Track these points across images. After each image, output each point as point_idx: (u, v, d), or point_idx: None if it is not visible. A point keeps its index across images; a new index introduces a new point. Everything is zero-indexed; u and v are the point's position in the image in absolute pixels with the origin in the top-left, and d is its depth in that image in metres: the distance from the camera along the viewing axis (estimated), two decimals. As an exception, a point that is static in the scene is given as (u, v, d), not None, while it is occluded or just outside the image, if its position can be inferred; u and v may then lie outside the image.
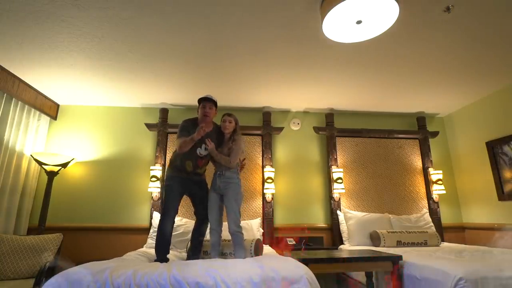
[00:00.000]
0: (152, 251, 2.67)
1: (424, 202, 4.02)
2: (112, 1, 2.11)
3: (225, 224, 2.52)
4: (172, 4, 2.15)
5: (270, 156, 3.90)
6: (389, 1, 1.96)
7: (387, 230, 3.41)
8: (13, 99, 3.24)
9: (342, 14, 2.07)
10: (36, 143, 3.63)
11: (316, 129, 4.13)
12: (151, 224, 3.45)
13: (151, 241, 3.21)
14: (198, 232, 2.62)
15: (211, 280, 1.58)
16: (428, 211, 3.91)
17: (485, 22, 2.36)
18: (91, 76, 3.22)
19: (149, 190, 3.56)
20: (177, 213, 2.51)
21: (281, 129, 4.05)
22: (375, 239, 3.36)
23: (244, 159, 2.78)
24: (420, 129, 4.25)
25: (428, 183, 4.04)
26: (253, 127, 4.00)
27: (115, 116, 4.01)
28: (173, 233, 3.19)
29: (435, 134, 4.25)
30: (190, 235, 2.71)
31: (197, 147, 2.50)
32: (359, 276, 2.98)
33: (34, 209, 3.51)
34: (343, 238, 3.63)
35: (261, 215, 3.75)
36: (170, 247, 3.04)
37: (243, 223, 3.40)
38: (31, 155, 3.38)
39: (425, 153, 4.15)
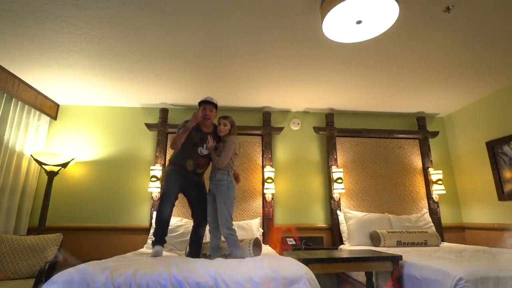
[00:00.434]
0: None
1: (424, 202, 4.02)
2: (112, 1, 2.11)
3: None
4: (172, 4, 2.15)
5: (270, 156, 3.90)
6: (389, 1, 1.96)
7: (387, 230, 3.41)
8: (13, 99, 3.24)
9: (342, 14, 2.07)
10: (36, 143, 3.63)
11: (316, 129, 4.13)
12: (151, 224, 3.45)
13: (151, 241, 3.20)
14: (195, 235, 2.58)
15: (211, 280, 1.58)
16: (428, 211, 3.91)
17: (485, 22, 2.36)
18: (91, 76, 3.22)
19: (149, 190, 3.55)
20: (176, 199, 2.49)
21: (281, 129, 4.05)
22: (375, 239, 3.36)
23: (238, 175, 2.72)
24: (420, 129, 4.25)
25: (428, 183, 4.04)
26: (253, 127, 4.00)
27: (115, 116, 4.01)
28: (173, 234, 3.24)
29: (435, 134, 4.25)
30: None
31: (198, 146, 2.51)
32: (359, 276, 2.98)
33: (34, 209, 3.51)
34: (343, 238, 3.63)
35: (261, 215, 3.75)
36: (170, 247, 3.06)
37: (243, 223, 3.42)
38: (31, 155, 3.38)
39: (425, 153, 4.15)
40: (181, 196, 2.57)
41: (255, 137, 4.04)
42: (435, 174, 3.96)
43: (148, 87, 3.49)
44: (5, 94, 3.12)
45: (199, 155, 2.53)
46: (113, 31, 2.45)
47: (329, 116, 4.18)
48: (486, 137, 3.73)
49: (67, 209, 3.60)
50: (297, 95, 3.73)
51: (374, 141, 4.21)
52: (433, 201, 3.97)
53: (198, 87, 3.47)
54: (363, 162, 4.11)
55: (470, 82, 3.39)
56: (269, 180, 3.70)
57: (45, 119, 3.77)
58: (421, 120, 4.29)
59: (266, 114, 4.07)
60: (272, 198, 3.77)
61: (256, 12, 2.23)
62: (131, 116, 4.02)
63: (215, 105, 2.60)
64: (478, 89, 3.60)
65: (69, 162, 3.47)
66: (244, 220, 3.61)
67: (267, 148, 3.93)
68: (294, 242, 3.52)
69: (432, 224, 3.71)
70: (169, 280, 1.57)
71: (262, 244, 3.05)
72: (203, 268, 1.70)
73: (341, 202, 3.89)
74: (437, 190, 3.92)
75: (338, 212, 3.79)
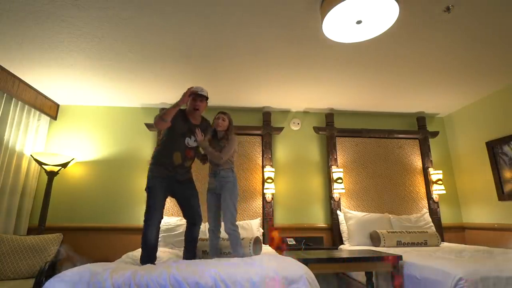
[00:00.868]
0: None
1: (424, 202, 4.02)
2: (112, 1, 2.11)
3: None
4: (172, 4, 2.15)
5: (270, 156, 3.90)
6: (389, 1, 1.96)
7: (387, 230, 3.40)
8: (13, 99, 3.24)
9: (342, 14, 2.07)
10: (36, 143, 3.63)
11: (316, 129, 4.13)
12: (151, 224, 3.44)
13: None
14: (190, 235, 2.43)
15: (210, 280, 1.58)
16: (428, 211, 3.91)
17: (485, 22, 2.36)
18: (91, 76, 3.22)
19: (149, 190, 3.55)
20: (162, 218, 2.29)
21: (281, 129, 4.05)
22: (375, 239, 3.36)
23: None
24: (420, 129, 4.25)
25: (428, 183, 4.04)
26: (253, 127, 4.00)
27: (115, 116, 4.01)
28: (172, 233, 3.24)
29: (435, 134, 4.25)
30: None
31: (185, 137, 2.36)
32: (359, 276, 2.98)
33: (34, 209, 3.51)
34: (343, 238, 3.63)
35: (261, 215, 3.75)
36: (170, 245, 3.06)
37: (243, 223, 3.42)
38: (31, 155, 3.38)
39: (425, 153, 4.15)
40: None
41: (255, 137, 4.04)
42: (435, 174, 3.96)
43: (148, 87, 3.49)
44: (5, 94, 3.12)
45: (186, 146, 2.37)
46: (113, 31, 2.45)
47: (329, 116, 4.18)
48: (486, 137, 3.72)
49: (67, 209, 3.60)
50: (297, 95, 3.72)
51: (374, 141, 4.21)
52: (433, 201, 3.97)
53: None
54: (363, 162, 4.11)
55: (470, 82, 3.39)
56: (269, 180, 3.70)
57: (45, 119, 3.77)
58: (421, 120, 4.29)
59: (266, 114, 4.07)
60: (272, 198, 3.77)
61: (256, 12, 2.23)
62: (131, 116, 4.02)
63: (205, 97, 2.44)
64: (478, 89, 3.60)
65: (69, 162, 3.47)
66: (244, 220, 3.61)
67: (267, 148, 3.93)
68: (294, 242, 3.52)
69: (432, 224, 3.71)
70: (169, 280, 1.57)
71: (262, 244, 3.05)
72: (202, 268, 1.70)
73: (341, 202, 3.89)
74: (437, 190, 3.92)
75: (338, 212, 3.79)
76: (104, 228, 3.57)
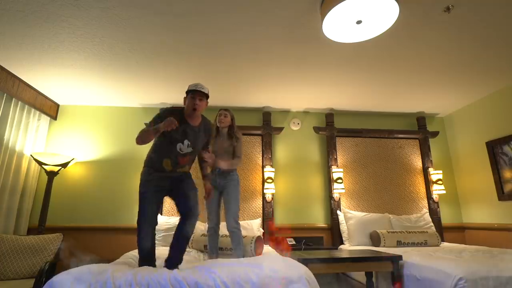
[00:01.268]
0: None
1: (424, 202, 4.02)
2: (112, 1, 2.11)
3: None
4: (172, 4, 2.15)
5: (270, 156, 3.90)
6: (389, 1, 1.96)
7: (387, 230, 3.41)
8: (13, 99, 3.24)
9: (342, 14, 2.07)
10: (36, 143, 3.63)
11: (316, 129, 4.13)
12: (151, 224, 3.44)
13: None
14: (181, 231, 2.04)
15: (211, 280, 1.58)
16: (428, 211, 3.91)
17: (485, 22, 2.36)
18: (91, 76, 3.22)
19: (149, 190, 3.55)
20: (156, 224, 2.08)
21: (281, 129, 4.05)
22: (375, 239, 3.36)
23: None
24: (420, 129, 4.25)
25: (428, 183, 4.04)
26: (253, 127, 4.00)
27: (115, 116, 4.01)
28: (172, 233, 3.22)
29: (435, 134, 4.25)
30: None
31: (177, 143, 2.04)
32: (359, 276, 2.98)
33: (34, 209, 3.51)
34: (343, 238, 3.63)
35: (261, 215, 3.75)
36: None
37: (243, 223, 3.42)
38: (31, 155, 3.38)
39: (425, 153, 4.15)
40: None
41: (255, 137, 4.04)
42: (435, 174, 3.96)
43: (147, 87, 3.49)
44: (5, 94, 3.12)
45: (179, 153, 2.06)
46: (113, 31, 2.45)
47: (329, 116, 4.18)
48: (486, 137, 3.72)
49: (67, 209, 3.60)
50: (297, 95, 3.72)
51: (374, 141, 4.21)
52: (433, 201, 3.97)
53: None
54: (363, 162, 4.11)
55: (470, 82, 3.39)
56: (269, 180, 3.70)
57: (45, 119, 3.77)
58: (421, 120, 4.29)
59: (266, 114, 4.07)
60: (272, 198, 3.77)
61: (256, 12, 2.23)
62: (131, 116, 4.02)
63: (206, 95, 2.12)
64: (478, 89, 3.60)
65: (69, 162, 3.47)
66: (245, 220, 3.60)
67: (267, 148, 3.93)
68: (294, 242, 3.52)
69: (432, 224, 3.71)
70: (169, 281, 1.57)
71: (263, 242, 3.05)
72: (202, 268, 1.71)
73: (341, 202, 3.89)
74: (437, 190, 3.92)
75: (338, 212, 3.79)
76: (104, 228, 3.57)
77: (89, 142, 3.88)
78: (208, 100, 2.17)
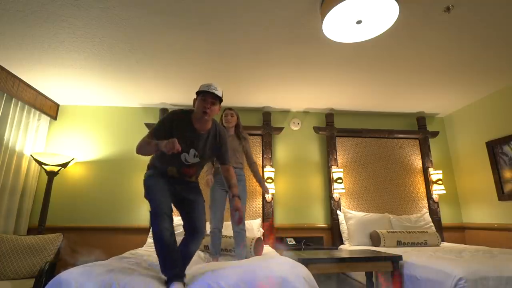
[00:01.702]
0: (152, 249, 2.59)
1: (424, 202, 4.02)
2: (112, 1, 2.11)
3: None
4: (172, 4, 2.15)
5: (270, 156, 3.90)
6: (389, 1, 1.96)
7: (387, 230, 3.40)
8: (13, 99, 3.24)
9: (342, 14, 2.07)
10: (36, 143, 3.63)
11: (316, 129, 4.13)
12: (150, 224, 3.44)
13: (150, 240, 3.20)
14: (187, 248, 1.81)
15: (204, 284, 1.55)
16: (428, 211, 3.91)
17: (485, 22, 2.36)
18: (91, 76, 3.22)
19: (149, 190, 3.55)
20: (171, 210, 1.71)
21: (281, 129, 4.05)
22: (375, 239, 3.36)
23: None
24: (420, 129, 4.25)
25: (428, 183, 4.04)
26: (253, 127, 4.00)
27: (115, 116, 4.01)
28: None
29: (435, 134, 4.25)
30: None
31: (182, 152, 1.77)
32: (359, 276, 2.98)
33: (34, 209, 3.51)
34: (343, 238, 3.63)
35: (261, 215, 3.75)
36: None
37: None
38: (31, 155, 3.38)
39: (425, 153, 4.15)
40: None
41: (255, 137, 4.04)
42: (435, 174, 3.96)
43: (148, 87, 3.49)
44: (5, 94, 3.12)
45: (184, 163, 1.81)
46: (113, 31, 2.45)
47: (329, 116, 4.18)
48: (486, 137, 3.72)
49: (67, 209, 3.60)
50: (297, 95, 3.72)
51: (374, 141, 4.21)
52: (433, 201, 3.97)
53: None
54: (363, 162, 4.11)
55: (470, 82, 3.39)
56: (269, 180, 3.70)
57: (45, 119, 3.77)
58: (421, 120, 4.29)
59: (266, 114, 4.07)
60: (272, 198, 3.77)
61: (256, 12, 2.23)
62: (131, 116, 4.02)
63: (219, 98, 1.82)
64: (478, 89, 3.60)
65: (69, 162, 3.47)
66: (245, 220, 3.60)
67: (267, 148, 3.93)
68: (294, 242, 3.52)
69: (432, 224, 3.71)
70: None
71: (263, 244, 3.05)
72: (196, 271, 1.69)
73: (341, 202, 3.89)
74: (437, 190, 3.92)
75: (338, 212, 3.79)
76: (104, 228, 3.57)
77: (89, 142, 3.88)
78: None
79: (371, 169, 4.09)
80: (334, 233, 3.75)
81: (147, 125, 3.87)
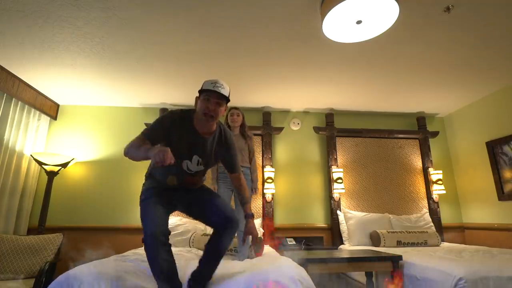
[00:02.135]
0: None
1: (424, 202, 4.02)
2: (112, 1, 2.11)
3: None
4: (173, 4, 2.15)
5: (270, 156, 3.90)
6: (389, 1, 1.96)
7: (387, 230, 3.40)
8: (13, 99, 3.24)
9: (342, 14, 2.06)
10: (36, 143, 3.63)
11: (316, 129, 4.13)
12: (151, 224, 3.44)
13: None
14: (217, 245, 1.60)
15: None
16: (428, 211, 3.91)
17: (485, 22, 2.36)
18: (91, 76, 3.22)
19: (149, 190, 3.55)
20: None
21: (281, 129, 4.05)
22: (375, 239, 3.36)
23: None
24: (420, 129, 4.25)
25: (428, 183, 4.04)
26: (253, 127, 3.99)
27: (115, 116, 4.01)
28: (172, 232, 3.22)
29: (435, 134, 4.25)
30: (190, 234, 2.59)
31: (183, 159, 1.56)
32: (359, 276, 2.98)
33: (34, 209, 3.51)
34: (343, 238, 3.63)
35: (261, 215, 3.74)
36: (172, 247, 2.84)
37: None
38: (31, 155, 3.38)
39: (425, 153, 4.15)
40: None
41: (255, 137, 4.02)
42: (435, 174, 3.96)
43: (148, 87, 3.49)
44: (5, 94, 3.11)
45: (186, 172, 1.60)
46: (113, 31, 2.45)
47: (329, 116, 4.18)
48: (486, 137, 3.72)
49: (67, 209, 3.59)
50: (297, 95, 3.72)
51: (374, 141, 4.21)
52: (433, 201, 3.97)
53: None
54: (363, 162, 4.11)
55: (470, 82, 3.39)
56: (269, 180, 3.70)
57: (45, 119, 3.77)
58: (421, 120, 4.29)
59: (266, 114, 4.07)
60: (272, 198, 3.77)
61: (256, 11, 2.23)
62: (131, 116, 4.02)
63: (226, 98, 1.56)
64: (478, 89, 3.60)
65: (69, 162, 3.46)
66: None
67: (267, 148, 3.93)
68: (294, 242, 3.52)
69: (432, 224, 3.71)
70: None
71: (263, 244, 3.05)
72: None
73: (341, 202, 3.89)
74: (437, 190, 3.92)
75: (338, 212, 3.79)
76: (104, 228, 3.57)
77: (89, 142, 3.87)
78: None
79: (371, 169, 4.08)
80: (334, 233, 3.74)
81: (147, 125, 3.87)
